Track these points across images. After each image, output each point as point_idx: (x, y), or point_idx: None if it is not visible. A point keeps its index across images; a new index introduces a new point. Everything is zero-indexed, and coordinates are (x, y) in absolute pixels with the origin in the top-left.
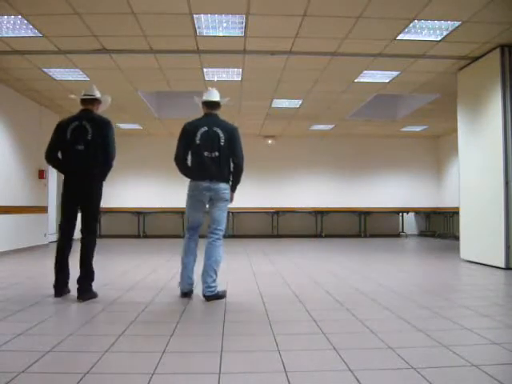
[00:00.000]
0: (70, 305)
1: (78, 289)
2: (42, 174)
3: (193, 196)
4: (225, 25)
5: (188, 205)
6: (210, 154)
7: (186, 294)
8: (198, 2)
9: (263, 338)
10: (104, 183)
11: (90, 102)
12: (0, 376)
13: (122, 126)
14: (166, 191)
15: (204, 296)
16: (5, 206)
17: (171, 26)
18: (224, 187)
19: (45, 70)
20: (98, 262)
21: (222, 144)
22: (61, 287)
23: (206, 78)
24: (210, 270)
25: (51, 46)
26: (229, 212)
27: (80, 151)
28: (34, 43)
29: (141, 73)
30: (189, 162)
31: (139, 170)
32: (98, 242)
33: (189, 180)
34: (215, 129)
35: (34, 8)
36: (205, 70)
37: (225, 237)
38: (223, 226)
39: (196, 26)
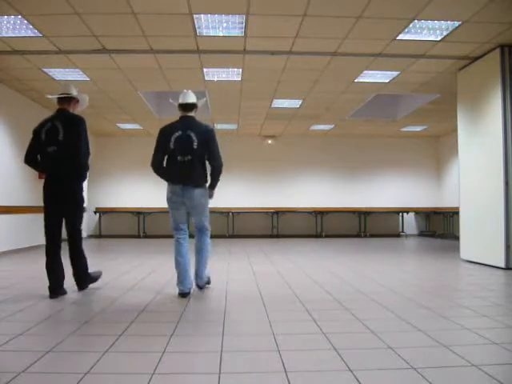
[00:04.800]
0: (70, 305)
1: (77, 282)
2: (41, 174)
3: (170, 198)
4: (225, 25)
5: (168, 206)
6: (182, 158)
7: (185, 294)
8: (198, 2)
9: (263, 338)
10: (103, 182)
11: (66, 100)
12: (0, 376)
13: (121, 125)
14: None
15: (197, 285)
16: (5, 206)
17: (171, 26)
18: (198, 193)
19: (45, 69)
20: (98, 262)
21: (195, 147)
22: (55, 288)
23: (206, 78)
24: (201, 264)
25: (51, 46)
26: (229, 212)
27: (52, 152)
28: (34, 43)
29: (141, 73)
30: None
31: (139, 170)
32: (99, 242)
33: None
34: (189, 132)
35: (34, 8)
36: (205, 69)
37: (225, 237)
38: (207, 226)
39: (196, 26)
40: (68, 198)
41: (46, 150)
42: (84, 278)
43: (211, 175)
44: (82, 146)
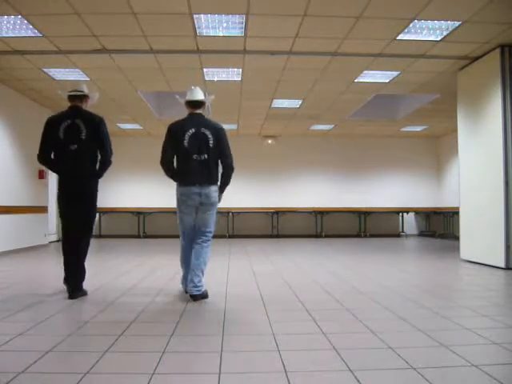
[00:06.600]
0: (70, 305)
1: (69, 288)
2: (41, 174)
3: (183, 201)
4: (225, 25)
5: (179, 210)
6: (198, 156)
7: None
8: (198, 2)
9: (263, 338)
10: (102, 182)
11: (79, 98)
12: (0, 376)
13: (121, 126)
14: (166, 191)
15: (191, 295)
16: (5, 206)
17: (171, 26)
18: (214, 190)
19: (45, 69)
20: (98, 262)
21: (211, 146)
22: (72, 287)
23: (206, 78)
24: (197, 270)
25: (51, 46)
26: (229, 212)
27: (73, 151)
28: (34, 43)
29: (141, 73)
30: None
31: (139, 170)
32: (99, 242)
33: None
34: (203, 130)
35: (34, 8)
36: (205, 69)
37: (225, 237)
38: (213, 229)
39: (196, 26)
40: (85, 198)
41: (65, 149)
42: (76, 287)
43: (223, 175)
44: (109, 145)
